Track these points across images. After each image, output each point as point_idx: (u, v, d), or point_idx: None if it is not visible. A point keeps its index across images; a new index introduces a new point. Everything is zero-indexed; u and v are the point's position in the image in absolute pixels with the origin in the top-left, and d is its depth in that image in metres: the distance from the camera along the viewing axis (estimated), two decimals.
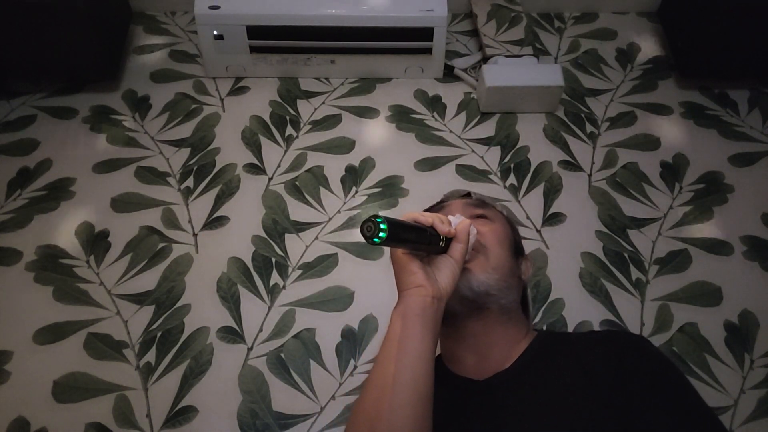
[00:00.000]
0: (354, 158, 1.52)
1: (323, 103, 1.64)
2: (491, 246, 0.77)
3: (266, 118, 1.60)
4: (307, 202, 1.44)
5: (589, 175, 1.51)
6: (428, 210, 0.88)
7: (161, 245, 1.36)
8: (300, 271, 1.33)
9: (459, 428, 0.70)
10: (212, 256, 1.35)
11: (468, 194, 0.92)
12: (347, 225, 1.40)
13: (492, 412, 0.68)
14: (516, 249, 0.85)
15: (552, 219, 1.42)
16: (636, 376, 0.64)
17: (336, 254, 1.35)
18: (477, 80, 1.65)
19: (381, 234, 0.59)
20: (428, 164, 1.51)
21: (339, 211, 1.43)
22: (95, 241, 1.36)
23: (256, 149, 1.53)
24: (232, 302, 1.28)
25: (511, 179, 1.49)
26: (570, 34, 1.83)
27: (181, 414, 1.15)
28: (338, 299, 1.29)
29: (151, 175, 1.47)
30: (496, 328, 0.75)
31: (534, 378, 0.70)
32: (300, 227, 1.40)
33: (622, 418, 0.61)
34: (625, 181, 1.50)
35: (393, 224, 0.60)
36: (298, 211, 1.43)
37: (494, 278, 0.74)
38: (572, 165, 1.53)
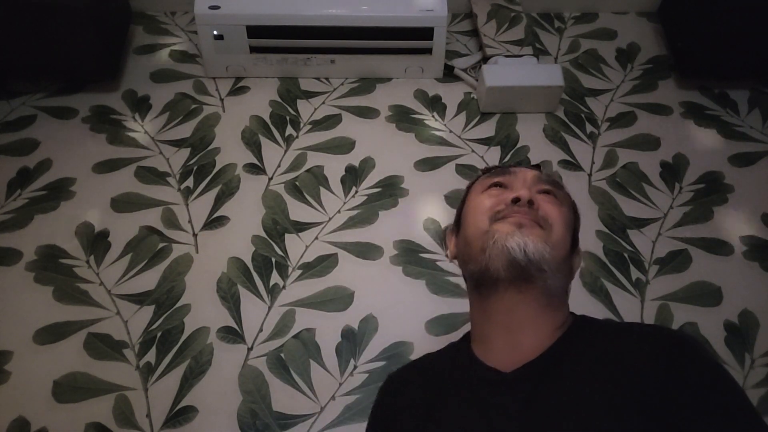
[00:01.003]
0: (354, 158, 1.52)
1: (323, 103, 1.64)
2: (555, 224, 0.71)
3: (266, 118, 1.60)
4: (307, 202, 1.44)
5: (589, 175, 1.51)
6: (492, 171, 0.81)
7: (161, 245, 1.36)
8: (300, 271, 1.33)
9: (481, 424, 0.64)
10: (212, 256, 1.35)
11: (537, 166, 0.85)
12: (347, 225, 1.40)
13: (516, 410, 0.63)
14: (574, 239, 0.77)
15: None
16: (684, 381, 0.58)
17: (336, 254, 1.35)
18: (477, 80, 1.65)
19: None
20: (428, 164, 1.51)
21: (339, 211, 1.43)
22: (95, 241, 1.36)
23: (256, 149, 1.53)
24: (232, 302, 1.28)
25: None
26: (570, 34, 1.83)
27: (181, 414, 1.15)
28: (338, 299, 1.29)
29: (151, 175, 1.47)
30: (534, 309, 0.68)
31: (565, 373, 0.63)
32: (300, 227, 1.40)
33: (662, 427, 0.55)
34: (625, 181, 1.50)
35: None
36: (298, 211, 1.43)
37: (551, 253, 0.67)
38: (572, 165, 1.53)
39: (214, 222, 1.40)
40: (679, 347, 0.62)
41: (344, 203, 1.44)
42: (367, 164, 1.51)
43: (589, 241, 1.39)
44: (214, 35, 1.58)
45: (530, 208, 0.70)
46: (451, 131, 1.59)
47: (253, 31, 1.57)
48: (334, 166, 1.50)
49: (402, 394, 0.76)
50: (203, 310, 1.27)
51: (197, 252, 1.35)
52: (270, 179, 1.48)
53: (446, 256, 0.81)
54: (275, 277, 1.32)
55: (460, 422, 0.64)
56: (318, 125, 1.59)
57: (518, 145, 1.56)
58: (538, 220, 0.69)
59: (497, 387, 0.66)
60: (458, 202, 1.47)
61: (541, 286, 0.68)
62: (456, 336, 1.22)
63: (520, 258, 0.66)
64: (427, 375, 0.76)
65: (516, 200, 0.70)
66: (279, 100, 1.64)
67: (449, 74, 1.70)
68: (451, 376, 0.72)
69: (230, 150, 1.53)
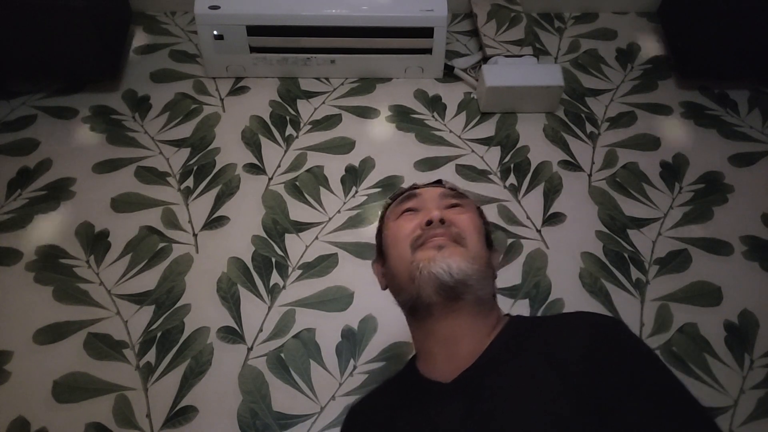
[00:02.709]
0: (354, 158, 1.52)
1: (323, 103, 1.64)
2: (469, 236, 0.76)
3: (266, 118, 1.60)
4: (307, 202, 1.44)
5: (589, 175, 1.51)
6: (399, 196, 0.85)
7: (161, 245, 1.36)
8: (300, 271, 1.33)
9: None
10: (212, 256, 1.35)
11: (439, 182, 0.89)
12: (347, 225, 1.40)
13: (460, 416, 0.66)
14: (488, 240, 0.83)
15: (552, 219, 1.42)
16: (610, 367, 0.61)
17: (336, 254, 1.35)
18: (477, 80, 1.65)
19: None
20: (428, 164, 1.51)
21: (339, 211, 1.43)
22: (95, 241, 1.36)
23: (256, 149, 1.53)
24: (232, 302, 1.28)
25: (511, 179, 1.49)
26: (570, 34, 1.83)
27: (181, 414, 1.15)
28: (338, 299, 1.29)
29: (151, 175, 1.48)
30: (468, 321, 0.73)
31: (501, 373, 0.67)
32: (300, 227, 1.40)
33: (594, 416, 0.57)
34: (625, 181, 1.50)
35: None
36: (298, 211, 1.43)
37: (473, 268, 0.72)
38: (572, 165, 1.53)
39: (214, 222, 1.40)
40: (605, 334, 0.65)
41: (344, 203, 1.44)
42: (367, 164, 1.51)
43: (589, 241, 1.39)
44: (214, 35, 1.58)
45: (444, 227, 0.74)
46: (451, 131, 1.59)
47: (253, 31, 1.58)
48: (334, 166, 1.50)
49: (363, 424, 0.81)
50: (203, 310, 1.27)
51: (197, 252, 1.35)
52: (270, 179, 1.48)
53: (380, 284, 0.86)
54: (275, 277, 1.32)
55: None
56: (318, 125, 1.59)
57: (518, 145, 1.56)
58: (455, 237, 0.74)
59: (440, 398, 0.70)
60: None
61: (471, 299, 0.72)
62: None
63: (447, 281, 0.70)
64: (383, 401, 0.81)
65: (429, 222, 0.74)
66: (279, 100, 1.64)
67: (449, 74, 1.70)
68: (402, 398, 0.77)
69: (230, 150, 1.53)
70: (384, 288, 0.85)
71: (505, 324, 0.75)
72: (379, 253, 0.86)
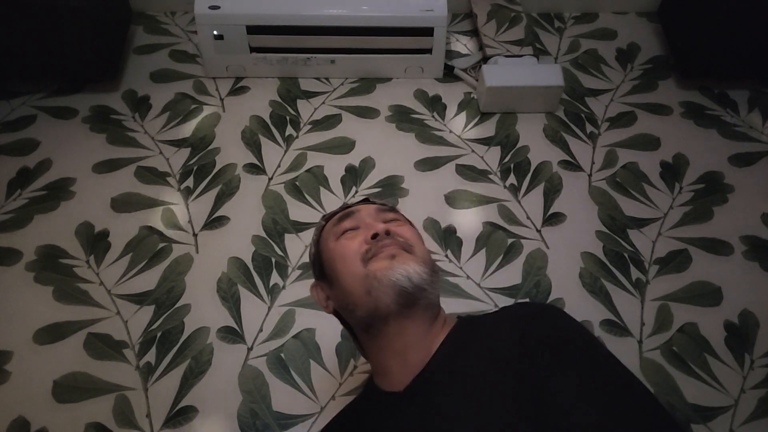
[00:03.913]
0: (354, 158, 1.52)
1: (323, 103, 1.64)
2: (415, 243, 0.77)
3: (266, 118, 1.60)
4: (307, 202, 1.44)
5: (589, 175, 1.51)
6: (334, 216, 0.85)
7: (161, 245, 1.36)
8: (300, 271, 1.33)
9: None
10: (212, 256, 1.35)
11: (366, 200, 0.90)
12: None
13: (416, 422, 0.67)
14: None
15: (552, 219, 1.42)
16: (542, 351, 0.61)
17: None
18: (477, 80, 1.65)
19: None
20: (428, 164, 1.51)
21: None
22: (95, 241, 1.36)
23: (256, 149, 1.53)
24: (232, 302, 1.28)
25: (511, 179, 1.49)
26: (570, 34, 1.83)
27: (181, 414, 1.15)
28: None
29: (151, 175, 1.48)
30: (420, 327, 0.74)
31: (447, 376, 0.68)
32: (300, 227, 1.40)
33: (532, 404, 0.58)
34: (625, 181, 1.50)
35: None
36: (298, 211, 1.43)
37: (427, 272, 0.73)
38: (572, 165, 1.53)
39: (214, 222, 1.40)
40: (534, 320, 0.67)
41: (344, 203, 1.44)
42: (367, 164, 1.51)
43: (589, 241, 1.39)
44: (214, 35, 1.58)
45: (390, 237, 0.75)
46: (451, 131, 1.59)
47: (253, 31, 1.58)
48: (334, 166, 1.50)
49: None
50: (203, 310, 1.27)
51: (197, 252, 1.35)
52: (270, 179, 1.48)
53: (324, 309, 0.85)
54: (275, 277, 1.32)
55: None
56: (318, 125, 1.59)
57: (518, 145, 1.56)
58: (403, 246, 0.75)
59: (395, 408, 0.71)
60: (458, 201, 1.47)
61: (424, 304, 0.73)
62: None
63: (407, 286, 0.71)
64: (347, 423, 0.82)
65: (375, 236, 0.75)
66: (279, 100, 1.64)
67: (449, 74, 1.70)
68: (363, 415, 0.78)
69: (230, 150, 1.53)
70: (330, 311, 0.84)
71: (452, 326, 0.76)
72: (320, 276, 0.85)
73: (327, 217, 0.88)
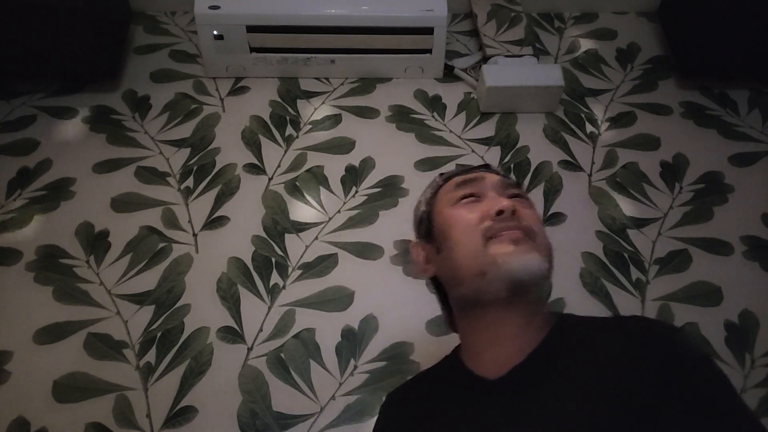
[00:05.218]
0: (354, 158, 1.52)
1: (323, 103, 1.64)
2: (538, 230, 0.70)
3: (266, 118, 1.60)
4: (307, 202, 1.44)
5: (589, 175, 1.51)
6: (453, 177, 0.78)
7: (161, 245, 1.36)
8: (300, 271, 1.33)
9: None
10: (212, 256, 1.35)
11: (487, 166, 0.82)
12: (347, 225, 1.40)
13: (503, 415, 0.63)
14: None
15: (552, 219, 1.42)
16: (652, 379, 0.57)
17: (336, 254, 1.35)
18: (477, 80, 1.65)
19: None
20: (428, 164, 1.51)
21: (339, 211, 1.43)
22: (95, 241, 1.36)
23: (256, 149, 1.53)
24: (232, 302, 1.28)
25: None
26: (570, 34, 1.83)
27: (181, 414, 1.15)
28: (338, 299, 1.29)
29: (151, 175, 1.47)
30: (522, 318, 0.69)
31: (548, 376, 0.64)
32: (300, 227, 1.40)
33: (643, 424, 0.54)
34: (625, 181, 1.50)
35: None
36: (298, 211, 1.43)
37: (547, 267, 0.68)
38: (572, 165, 1.53)
39: (214, 222, 1.40)
40: (662, 340, 0.62)
41: (344, 203, 1.44)
42: (367, 164, 1.51)
43: (589, 241, 1.39)
44: (214, 35, 1.58)
45: (515, 219, 0.69)
46: (451, 131, 1.59)
47: (253, 31, 1.57)
48: (334, 166, 1.50)
49: (400, 412, 0.77)
50: (203, 310, 1.27)
51: (197, 252, 1.35)
52: (270, 179, 1.48)
53: (422, 271, 0.79)
54: (275, 277, 1.32)
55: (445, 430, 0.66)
56: (318, 125, 1.59)
57: (518, 145, 1.56)
58: (527, 232, 0.69)
59: (484, 394, 0.67)
60: None
61: (534, 297, 0.69)
62: (456, 337, 1.22)
63: (525, 279, 0.66)
64: (423, 391, 0.77)
65: (500, 213, 0.68)
66: (279, 100, 1.64)
67: (449, 74, 1.70)
68: (444, 390, 0.73)
69: (230, 150, 1.53)
70: (429, 275, 0.79)
71: (555, 323, 0.71)
72: (426, 238, 0.78)
73: (446, 177, 0.80)
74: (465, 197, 0.73)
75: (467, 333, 0.74)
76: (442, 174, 0.83)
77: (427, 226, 0.78)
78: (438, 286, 0.80)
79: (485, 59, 1.67)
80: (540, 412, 0.61)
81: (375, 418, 1.14)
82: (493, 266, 0.66)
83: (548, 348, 0.67)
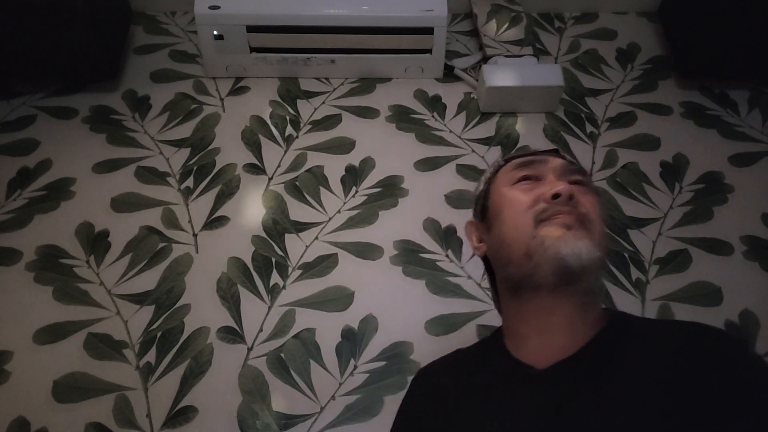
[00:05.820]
0: (354, 158, 1.52)
1: (323, 103, 1.64)
2: (595, 219, 0.68)
3: (266, 118, 1.60)
4: (307, 202, 1.44)
5: (590, 175, 1.51)
6: (515, 159, 0.77)
7: (161, 245, 1.36)
8: (300, 271, 1.33)
9: (512, 419, 0.63)
10: (212, 256, 1.35)
11: (556, 151, 0.79)
12: (347, 225, 1.40)
13: (549, 407, 0.61)
14: None
15: None
16: (719, 392, 0.55)
17: (336, 254, 1.35)
18: (477, 80, 1.65)
19: None
20: (428, 164, 1.51)
21: (339, 211, 1.43)
22: (95, 241, 1.36)
23: (256, 149, 1.53)
24: (232, 302, 1.28)
25: None
26: (570, 34, 1.83)
27: (181, 414, 1.15)
28: (338, 299, 1.29)
29: (151, 175, 1.47)
30: (573, 309, 0.67)
31: (598, 374, 0.62)
32: (300, 227, 1.40)
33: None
34: (625, 181, 1.50)
35: None
36: (298, 211, 1.43)
37: (598, 256, 0.65)
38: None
39: (214, 222, 1.40)
40: (725, 356, 0.59)
41: (344, 203, 1.44)
42: (367, 164, 1.51)
43: None
44: (214, 35, 1.58)
45: (571, 204, 0.66)
46: (451, 131, 1.59)
47: (253, 31, 1.57)
48: (334, 166, 1.50)
49: (433, 387, 0.75)
50: (203, 310, 1.27)
51: (197, 252, 1.35)
52: (270, 179, 1.48)
53: (474, 249, 0.78)
54: (275, 277, 1.32)
55: (491, 416, 0.63)
56: (318, 125, 1.59)
57: (518, 145, 1.56)
58: (581, 218, 0.67)
59: (530, 383, 0.65)
60: (459, 201, 1.47)
61: (584, 287, 0.67)
62: (457, 336, 1.21)
63: (574, 265, 0.64)
64: (458, 369, 0.75)
65: (556, 196, 0.66)
66: (279, 100, 1.64)
67: (449, 74, 1.70)
68: (483, 371, 0.71)
69: (230, 150, 1.53)
70: (480, 254, 0.77)
71: (608, 319, 0.69)
72: (481, 217, 0.77)
73: (507, 158, 0.79)
74: (524, 179, 0.72)
75: (513, 317, 0.72)
76: (504, 155, 0.81)
77: (483, 204, 0.77)
78: (489, 267, 0.79)
79: (485, 59, 1.67)
80: (589, 408, 0.59)
81: (375, 418, 1.15)
82: (541, 248, 0.64)
83: (602, 344, 0.65)
